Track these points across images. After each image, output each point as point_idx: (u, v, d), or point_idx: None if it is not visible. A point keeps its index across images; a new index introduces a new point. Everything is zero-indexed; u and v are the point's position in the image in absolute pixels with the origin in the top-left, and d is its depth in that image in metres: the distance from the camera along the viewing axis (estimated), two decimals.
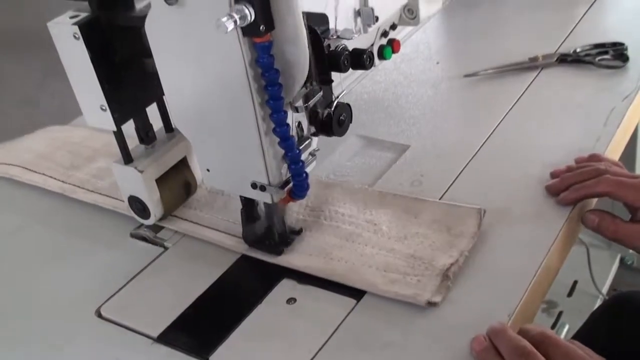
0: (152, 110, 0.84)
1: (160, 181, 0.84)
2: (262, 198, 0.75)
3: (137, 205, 0.85)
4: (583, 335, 1.02)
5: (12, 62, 3.11)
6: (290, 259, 0.79)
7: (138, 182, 0.82)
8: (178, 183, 0.87)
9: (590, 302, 1.61)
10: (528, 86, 1.06)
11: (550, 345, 0.64)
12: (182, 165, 0.87)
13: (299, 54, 0.66)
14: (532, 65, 1.10)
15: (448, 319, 0.70)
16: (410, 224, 0.81)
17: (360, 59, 0.72)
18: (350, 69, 0.73)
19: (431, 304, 0.71)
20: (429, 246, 0.77)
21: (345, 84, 0.93)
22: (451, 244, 0.77)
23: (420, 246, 0.78)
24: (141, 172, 0.82)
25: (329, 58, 0.70)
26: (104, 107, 0.77)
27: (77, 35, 0.73)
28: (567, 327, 1.54)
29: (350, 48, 0.73)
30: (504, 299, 0.71)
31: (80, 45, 0.74)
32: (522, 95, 1.04)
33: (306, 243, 0.80)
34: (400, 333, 0.69)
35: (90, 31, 0.73)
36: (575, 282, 1.67)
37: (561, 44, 1.15)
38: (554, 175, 0.86)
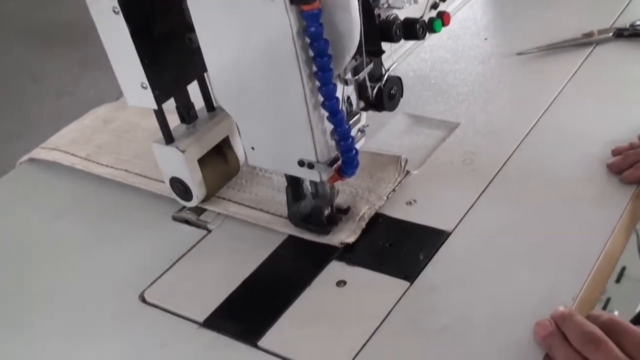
0: (194, 89, 0.81)
1: (203, 161, 0.82)
2: (309, 176, 0.72)
3: (179, 186, 0.82)
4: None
5: (50, 56, 3.13)
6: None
7: (180, 163, 0.80)
8: (221, 163, 0.84)
9: (639, 288, 1.55)
10: (582, 62, 1.01)
11: (621, 332, 0.59)
12: (225, 144, 0.84)
13: (349, 23, 0.62)
14: (587, 41, 1.05)
15: (509, 303, 0.66)
16: None
17: (413, 29, 0.69)
18: (403, 40, 0.69)
19: (343, 244, 0.75)
20: (349, 193, 0.81)
21: (388, 62, 0.90)
22: (371, 190, 0.80)
23: (342, 195, 0.80)
24: (183, 151, 0.79)
25: (381, 27, 0.67)
26: (144, 85, 0.75)
27: (116, 10, 0.70)
28: (616, 313, 1.49)
29: (401, 18, 0.70)
30: (567, 283, 0.67)
31: (120, 20, 0.71)
32: (576, 71, 0.99)
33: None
34: (458, 317, 0.65)
35: (129, 5, 0.70)
36: (624, 269, 1.61)
37: (617, 18, 1.10)
38: (615, 152, 0.81)
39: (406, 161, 0.84)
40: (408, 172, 0.84)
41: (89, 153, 0.99)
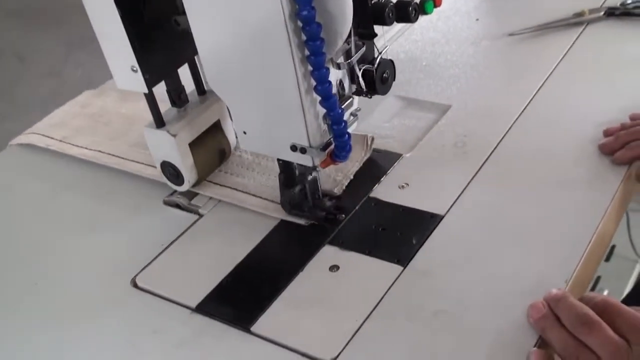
0: (184, 72, 0.81)
1: (194, 145, 0.81)
2: (302, 161, 0.71)
3: (170, 170, 0.82)
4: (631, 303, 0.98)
5: (36, 36, 3.10)
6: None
7: (171, 147, 0.79)
8: (212, 147, 0.84)
9: (629, 267, 1.57)
10: (574, 42, 1.01)
11: (615, 314, 0.59)
12: (216, 128, 0.84)
13: (342, 6, 0.61)
14: (578, 20, 1.05)
15: (503, 286, 0.66)
16: None
17: (405, 11, 0.68)
18: (385, 28, 0.69)
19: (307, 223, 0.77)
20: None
21: (379, 44, 0.89)
22: (338, 169, 0.81)
23: None
24: (174, 135, 0.78)
25: (373, 10, 0.66)
26: (134, 68, 0.74)
27: None
28: (606, 292, 1.50)
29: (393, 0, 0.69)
30: (560, 264, 0.67)
31: (110, 4, 0.70)
32: (567, 51, 0.99)
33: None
34: (453, 301, 0.66)
35: None
36: (614, 247, 1.62)
37: None
38: (607, 133, 0.81)
39: (372, 139, 0.86)
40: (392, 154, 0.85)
41: (65, 135, 1.00)
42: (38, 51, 2.98)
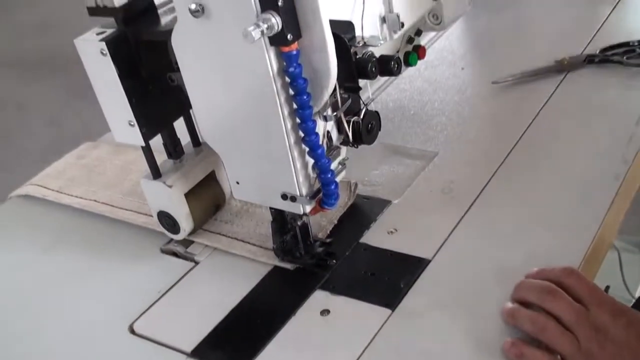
0: (179, 125, 0.84)
1: (190, 195, 0.84)
2: (292, 209, 0.74)
3: (167, 220, 0.84)
4: None
5: (37, 85, 3.15)
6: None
7: (167, 197, 0.82)
8: (207, 197, 0.87)
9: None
10: (555, 90, 1.05)
11: (574, 279, 0.68)
12: (211, 179, 0.87)
13: (327, 62, 0.65)
14: (559, 68, 1.09)
15: (488, 327, 0.69)
16: None
17: (388, 65, 0.72)
18: (378, 76, 0.72)
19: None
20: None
21: (366, 94, 0.93)
22: (322, 214, 0.82)
23: None
24: (170, 186, 0.81)
25: (357, 65, 0.70)
26: (132, 123, 0.77)
27: (104, 52, 0.73)
28: None
29: (377, 55, 0.73)
30: None
31: (108, 62, 0.74)
32: (549, 99, 1.03)
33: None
34: (438, 342, 0.68)
35: (117, 47, 0.73)
36: (608, 287, 1.64)
37: (587, 44, 1.14)
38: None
39: (355, 185, 0.89)
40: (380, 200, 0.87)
41: (61, 186, 1.03)
42: (38, 101, 3.03)
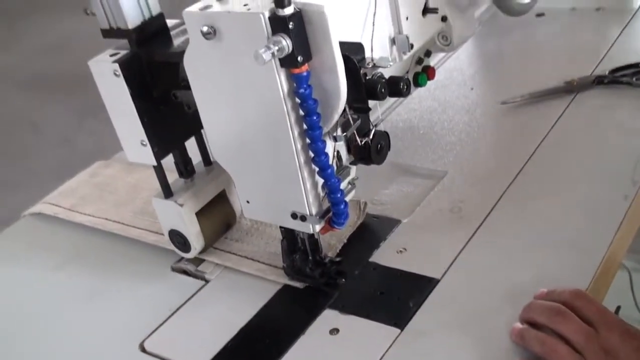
0: (191, 145, 0.85)
1: (201, 214, 0.85)
2: (302, 228, 0.75)
3: (178, 238, 0.85)
4: None
5: (51, 104, 3.18)
6: None
7: (178, 216, 0.83)
8: (218, 216, 0.88)
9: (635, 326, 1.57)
10: (564, 111, 1.05)
11: (584, 302, 0.68)
12: (222, 197, 0.88)
13: (337, 83, 0.66)
14: (568, 88, 1.09)
15: (496, 347, 0.69)
16: None
17: (397, 87, 0.72)
18: (387, 97, 0.73)
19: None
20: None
21: (380, 112, 0.93)
22: (332, 233, 0.80)
23: None
24: (181, 205, 0.82)
25: (367, 86, 0.70)
26: (144, 142, 0.78)
27: (117, 73, 0.74)
28: None
29: (386, 76, 0.73)
30: None
31: (121, 83, 0.75)
32: (558, 120, 1.03)
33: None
34: None
35: (130, 68, 0.75)
36: (619, 308, 1.63)
37: (596, 66, 1.14)
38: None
39: (365, 204, 0.89)
40: (381, 217, 0.88)
41: (73, 204, 1.04)
42: (52, 120, 3.06)
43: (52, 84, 3.35)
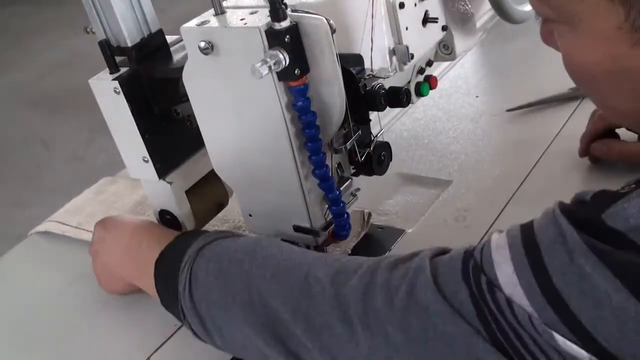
0: None
1: (191, 193, 0.83)
2: (305, 241, 0.75)
3: (169, 219, 0.83)
4: None
5: (60, 122, 3.21)
6: None
7: (168, 194, 0.81)
8: (210, 195, 0.86)
9: None
10: (569, 117, 1.04)
11: None
12: (213, 177, 0.85)
13: (335, 95, 0.66)
14: (573, 95, 1.08)
15: None
16: None
17: (397, 97, 0.72)
18: (388, 107, 0.73)
19: None
20: None
21: (384, 122, 0.92)
22: (336, 244, 0.82)
23: None
24: (170, 183, 0.80)
25: (366, 97, 0.70)
26: (145, 159, 0.78)
27: (117, 90, 0.74)
28: None
29: (387, 86, 0.73)
30: None
31: (121, 100, 0.75)
32: (563, 126, 1.02)
33: None
34: None
35: (129, 85, 0.75)
36: None
37: None
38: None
39: (369, 215, 0.88)
40: (383, 227, 0.88)
41: (80, 221, 1.04)
42: (61, 137, 3.08)
43: (61, 101, 3.38)
